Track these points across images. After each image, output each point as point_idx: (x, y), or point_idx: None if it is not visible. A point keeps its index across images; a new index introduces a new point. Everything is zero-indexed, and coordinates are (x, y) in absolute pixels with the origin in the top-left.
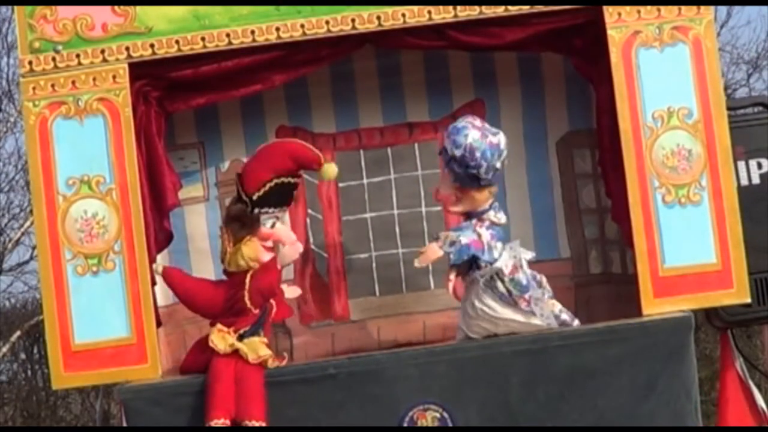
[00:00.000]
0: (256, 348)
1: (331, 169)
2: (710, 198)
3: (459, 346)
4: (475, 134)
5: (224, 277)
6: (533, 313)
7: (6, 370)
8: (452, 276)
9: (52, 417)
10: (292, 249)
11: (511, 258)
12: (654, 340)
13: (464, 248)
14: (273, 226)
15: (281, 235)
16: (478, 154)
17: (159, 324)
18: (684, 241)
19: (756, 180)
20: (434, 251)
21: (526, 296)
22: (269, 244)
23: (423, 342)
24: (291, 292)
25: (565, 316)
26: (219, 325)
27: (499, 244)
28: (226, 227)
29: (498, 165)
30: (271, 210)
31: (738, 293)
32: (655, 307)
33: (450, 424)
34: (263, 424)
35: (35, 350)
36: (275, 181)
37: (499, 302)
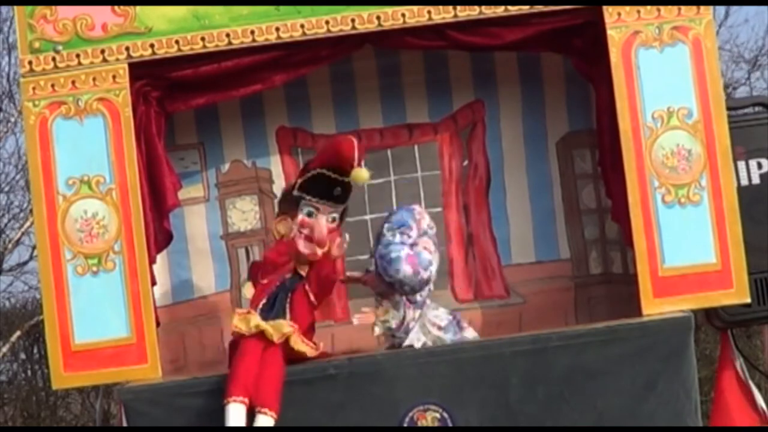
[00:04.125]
0: (279, 327)
1: (358, 174)
2: (710, 198)
3: (459, 346)
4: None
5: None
6: None
7: (6, 370)
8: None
9: (52, 417)
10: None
11: None
12: (654, 340)
13: None
14: (309, 215)
15: (315, 231)
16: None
17: (157, 324)
18: (684, 241)
19: (756, 180)
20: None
21: None
22: (306, 231)
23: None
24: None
25: None
26: (238, 310)
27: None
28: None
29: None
30: (307, 198)
31: (738, 293)
32: (655, 307)
33: (450, 425)
34: (274, 415)
35: (35, 350)
36: (318, 170)
37: None
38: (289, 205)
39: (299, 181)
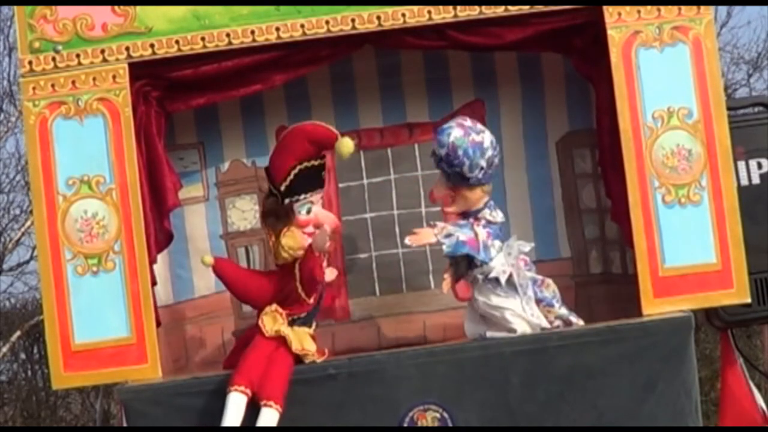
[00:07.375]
0: (302, 339)
1: (344, 145)
2: (710, 198)
3: (459, 346)
4: (457, 132)
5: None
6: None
7: (6, 370)
8: (447, 275)
9: (52, 417)
10: (321, 233)
11: (508, 264)
12: (654, 340)
13: (459, 244)
14: (309, 211)
15: (320, 218)
16: (460, 152)
17: (158, 324)
18: (684, 241)
19: (756, 180)
20: (427, 235)
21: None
22: (310, 229)
23: (423, 341)
24: (329, 274)
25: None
26: (275, 306)
27: (497, 243)
28: (264, 223)
29: (483, 163)
30: (302, 197)
31: (738, 293)
32: (655, 307)
33: (450, 425)
34: (279, 409)
35: (35, 350)
36: (299, 167)
37: (500, 296)
38: (284, 217)
39: (282, 188)
